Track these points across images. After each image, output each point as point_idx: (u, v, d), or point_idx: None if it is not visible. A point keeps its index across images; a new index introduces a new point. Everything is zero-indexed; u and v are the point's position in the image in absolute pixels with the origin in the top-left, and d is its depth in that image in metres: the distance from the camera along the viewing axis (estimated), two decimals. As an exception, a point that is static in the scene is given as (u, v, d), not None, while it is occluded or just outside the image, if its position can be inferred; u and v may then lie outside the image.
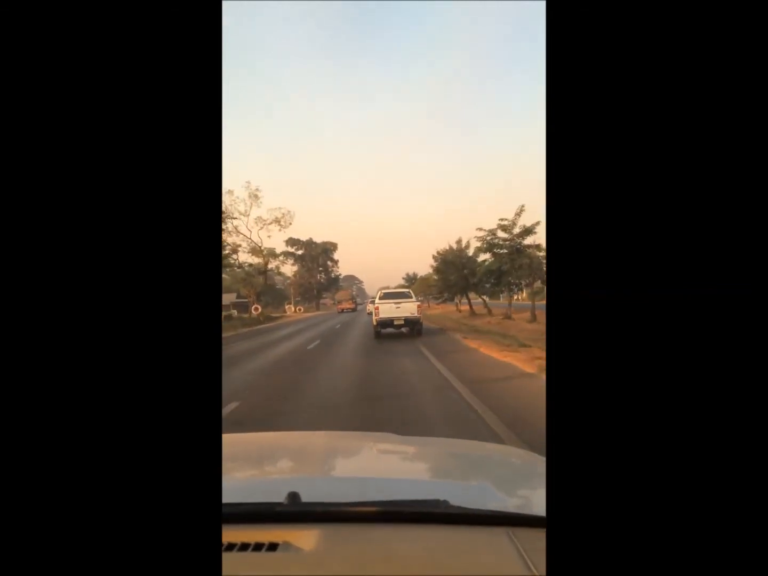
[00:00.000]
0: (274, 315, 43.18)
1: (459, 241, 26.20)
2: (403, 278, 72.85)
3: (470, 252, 24.82)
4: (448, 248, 26.52)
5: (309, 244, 69.30)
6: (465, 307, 30.24)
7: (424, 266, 73.29)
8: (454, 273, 25.08)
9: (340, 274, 75.18)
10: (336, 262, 72.63)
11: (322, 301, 75.88)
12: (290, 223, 39.34)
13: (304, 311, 57.21)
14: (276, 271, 49.63)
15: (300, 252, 69.34)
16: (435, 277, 29.69)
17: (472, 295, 27.60)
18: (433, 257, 27.70)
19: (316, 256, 68.98)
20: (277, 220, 38.47)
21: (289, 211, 39.01)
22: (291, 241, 67.56)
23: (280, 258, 49.24)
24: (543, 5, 0.72)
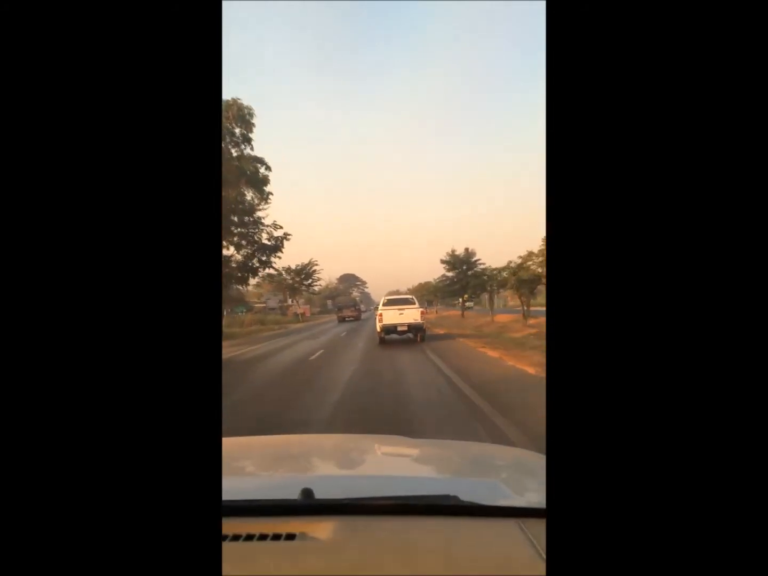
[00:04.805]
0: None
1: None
2: (445, 257, 31.42)
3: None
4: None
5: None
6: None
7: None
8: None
9: (284, 233, 24.25)
10: (267, 167, 22.24)
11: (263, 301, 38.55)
12: None
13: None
14: None
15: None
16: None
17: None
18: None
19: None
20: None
21: None
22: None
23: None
24: (543, 5, 0.71)
